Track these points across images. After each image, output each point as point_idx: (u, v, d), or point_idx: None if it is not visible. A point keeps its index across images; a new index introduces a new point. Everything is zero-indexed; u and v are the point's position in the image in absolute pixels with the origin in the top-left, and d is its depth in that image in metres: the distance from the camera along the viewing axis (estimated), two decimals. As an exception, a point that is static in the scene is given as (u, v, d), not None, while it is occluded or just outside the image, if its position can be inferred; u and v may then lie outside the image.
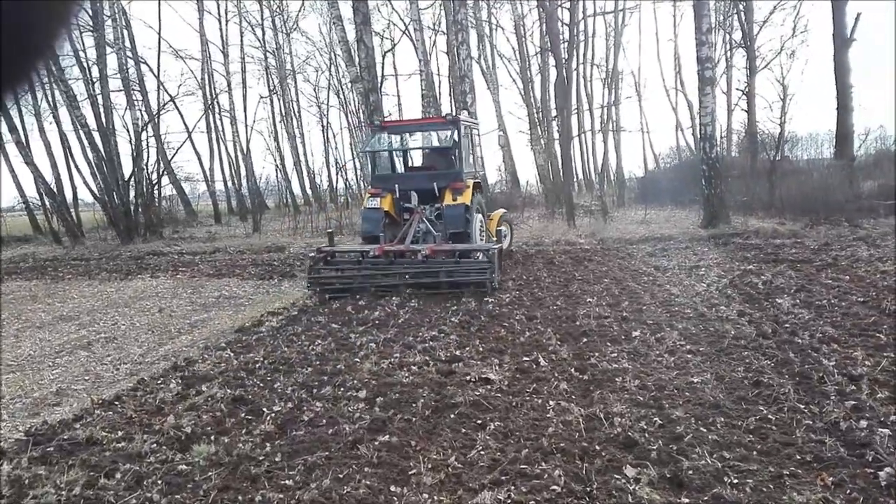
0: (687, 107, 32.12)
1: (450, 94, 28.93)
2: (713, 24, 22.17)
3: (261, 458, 4.08)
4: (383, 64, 29.81)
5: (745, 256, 11.30)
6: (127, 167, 21.94)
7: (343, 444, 4.21)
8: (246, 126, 33.56)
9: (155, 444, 4.34)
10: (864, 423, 4.03)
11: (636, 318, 7.28)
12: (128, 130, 23.61)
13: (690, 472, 3.56)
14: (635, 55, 38.51)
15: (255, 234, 21.57)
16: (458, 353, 6.27)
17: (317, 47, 40.31)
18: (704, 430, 4.11)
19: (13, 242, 23.48)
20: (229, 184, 35.94)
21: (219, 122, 35.02)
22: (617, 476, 3.60)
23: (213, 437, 4.43)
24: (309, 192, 39.12)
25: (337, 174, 40.34)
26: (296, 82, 39.22)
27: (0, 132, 23.33)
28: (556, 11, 21.27)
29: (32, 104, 24.04)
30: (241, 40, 34.15)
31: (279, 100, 37.39)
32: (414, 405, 4.83)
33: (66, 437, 4.54)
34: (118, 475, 3.91)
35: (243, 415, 4.88)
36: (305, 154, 40.59)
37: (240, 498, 3.60)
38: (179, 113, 42.42)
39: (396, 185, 11.30)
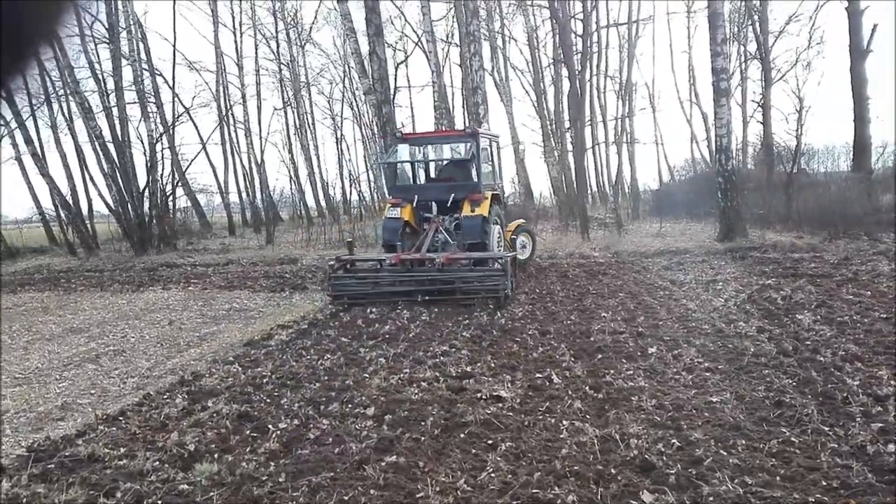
0: (702, 119, 31.82)
1: (462, 106, 28.92)
2: (728, 35, 21.97)
3: (264, 478, 3.96)
4: (396, 76, 29.85)
5: (764, 271, 11.09)
6: (142, 179, 22.08)
7: (349, 464, 4.08)
8: (260, 138, 33.71)
9: (157, 462, 4.24)
10: (892, 448, 3.87)
11: (652, 334, 7.12)
12: (142, 142, 23.75)
13: (711, 498, 3.40)
14: (649, 67, 38.40)
15: (268, 246, 21.55)
16: (469, 368, 6.13)
17: (331, 59, 40.22)
18: (725, 454, 3.95)
19: (28, 253, 23.60)
20: (243, 195, 36.08)
21: (233, 134, 35.20)
22: (633, 502, 3.45)
23: (216, 456, 4.31)
24: (322, 203, 39.14)
25: (350, 186, 40.40)
26: (310, 94, 39.35)
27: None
28: (570, 23, 21.22)
29: (49, 116, 24.21)
30: (256, 52, 34.30)
31: (293, 112, 37.49)
32: (423, 423, 4.70)
33: (67, 454, 4.45)
34: (118, 494, 3.81)
35: (248, 432, 4.77)
36: (319, 166, 40.59)
37: (241, 521, 3.49)
38: (194, 124, 42.90)
39: (416, 196, 11.56)
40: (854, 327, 6.81)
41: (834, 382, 5.11)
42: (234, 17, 33.77)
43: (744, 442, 4.10)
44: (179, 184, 26.09)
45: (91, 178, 25.19)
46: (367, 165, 39.00)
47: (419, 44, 29.71)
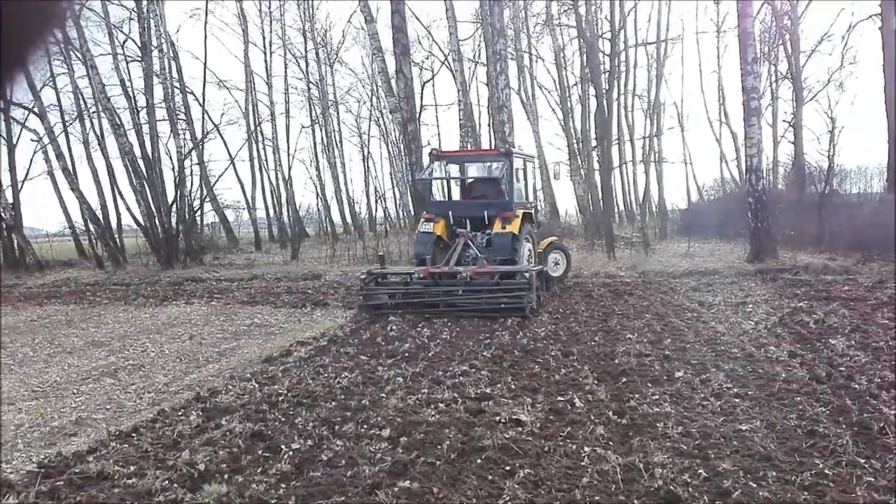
0: (731, 138, 31.34)
1: (488, 125, 28.88)
2: (758, 54, 21.67)
3: (273, 501, 3.85)
4: (423, 94, 30.03)
5: (795, 293, 10.79)
6: (171, 194, 22.31)
7: (361, 488, 3.95)
8: (288, 155, 33.92)
9: (167, 482, 4.14)
10: (934, 483, 3.64)
11: (679, 358, 6.91)
12: (171, 157, 24.03)
13: (740, 534, 3.21)
14: (678, 86, 38.12)
15: (292, 262, 21.60)
16: (488, 390, 5.98)
17: (359, 78, 40.49)
18: (755, 486, 3.75)
19: (58, 266, 23.92)
20: (270, 211, 36.33)
21: (261, 151, 35.53)
22: (657, 537, 3.27)
23: (226, 476, 4.21)
24: (348, 220, 39.28)
25: (376, 203, 40.50)
26: (338, 112, 39.65)
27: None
28: (597, 42, 21.12)
29: (81, 132, 24.69)
30: (286, 71, 34.72)
31: (321, 129, 37.78)
32: (439, 447, 4.55)
33: (77, 471, 4.38)
34: (125, 515, 3.72)
35: (261, 451, 4.66)
36: (346, 183, 40.74)
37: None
38: (223, 140, 43.14)
39: (450, 212, 12.02)
40: (890, 353, 6.55)
41: (870, 411, 4.88)
42: (264, 37, 34.20)
43: (774, 473, 3.90)
44: (207, 199, 26.33)
45: (120, 193, 25.56)
46: (392, 182, 39.16)
47: (446, 62, 29.85)
